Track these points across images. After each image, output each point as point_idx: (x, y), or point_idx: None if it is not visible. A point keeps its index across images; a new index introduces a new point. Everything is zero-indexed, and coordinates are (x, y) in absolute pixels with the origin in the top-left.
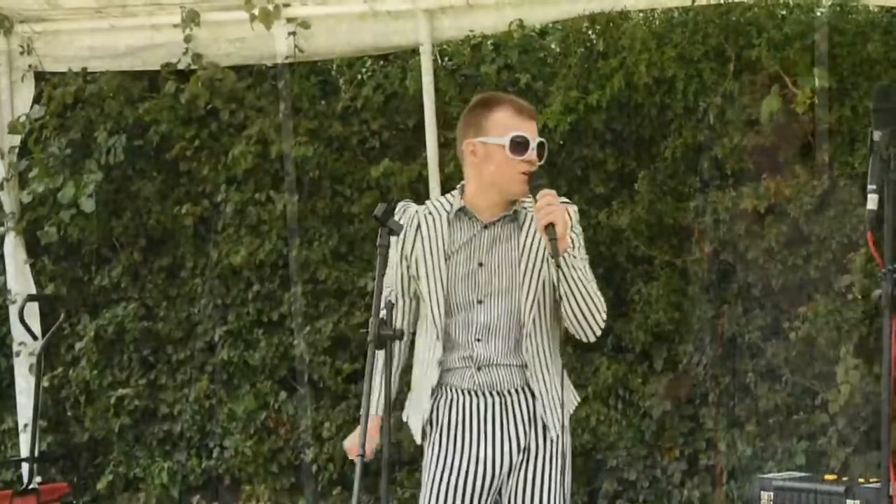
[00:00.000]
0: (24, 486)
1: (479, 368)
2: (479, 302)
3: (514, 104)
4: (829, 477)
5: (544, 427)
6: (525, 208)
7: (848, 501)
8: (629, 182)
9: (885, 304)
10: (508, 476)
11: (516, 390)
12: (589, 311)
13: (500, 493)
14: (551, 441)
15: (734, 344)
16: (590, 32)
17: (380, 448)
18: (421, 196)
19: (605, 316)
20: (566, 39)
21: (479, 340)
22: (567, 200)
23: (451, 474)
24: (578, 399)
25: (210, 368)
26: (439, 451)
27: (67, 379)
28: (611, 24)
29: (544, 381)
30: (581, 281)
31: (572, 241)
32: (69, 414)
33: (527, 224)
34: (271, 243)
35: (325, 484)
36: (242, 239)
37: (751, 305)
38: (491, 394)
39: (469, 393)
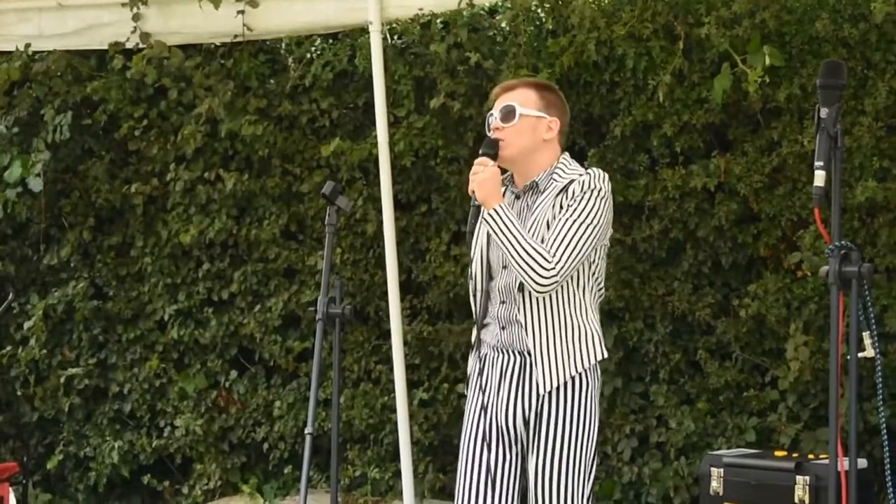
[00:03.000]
0: None
1: (502, 328)
2: (504, 267)
3: (496, 88)
4: (779, 453)
5: (537, 384)
6: (554, 179)
7: (798, 477)
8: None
9: (833, 281)
10: (527, 430)
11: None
12: (518, 266)
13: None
14: (554, 396)
15: (684, 321)
16: (539, 11)
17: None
18: (370, 174)
19: (539, 273)
20: (515, 18)
21: (503, 303)
22: (591, 171)
23: (470, 426)
24: (599, 355)
25: (160, 347)
26: (469, 402)
27: (17, 358)
28: (560, 3)
29: (536, 338)
30: (508, 238)
31: (564, 205)
32: (19, 393)
33: (545, 192)
34: (221, 222)
35: (275, 462)
36: (192, 218)
37: (700, 283)
38: (512, 352)
39: (495, 349)
